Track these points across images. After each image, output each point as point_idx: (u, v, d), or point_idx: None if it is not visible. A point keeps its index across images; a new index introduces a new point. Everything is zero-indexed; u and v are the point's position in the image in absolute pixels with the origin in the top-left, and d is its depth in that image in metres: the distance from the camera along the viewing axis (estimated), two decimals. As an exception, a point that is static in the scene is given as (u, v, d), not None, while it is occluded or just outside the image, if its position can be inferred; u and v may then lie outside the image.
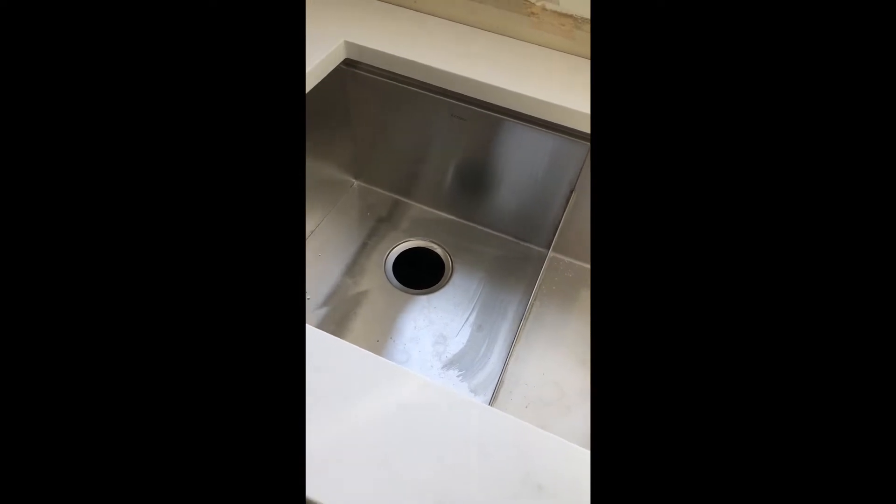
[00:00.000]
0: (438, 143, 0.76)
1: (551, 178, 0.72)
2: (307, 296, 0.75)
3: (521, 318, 0.72)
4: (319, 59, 0.65)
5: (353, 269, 0.79)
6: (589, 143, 0.65)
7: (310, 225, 0.82)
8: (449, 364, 0.69)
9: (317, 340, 0.42)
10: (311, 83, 0.65)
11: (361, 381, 0.40)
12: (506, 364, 0.67)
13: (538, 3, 0.65)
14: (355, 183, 0.88)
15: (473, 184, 0.79)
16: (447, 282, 0.77)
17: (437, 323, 0.73)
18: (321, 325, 0.72)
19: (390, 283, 0.77)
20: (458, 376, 0.68)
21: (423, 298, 0.76)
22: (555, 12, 0.65)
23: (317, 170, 0.79)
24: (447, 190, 0.82)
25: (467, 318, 0.74)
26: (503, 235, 0.83)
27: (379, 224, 0.84)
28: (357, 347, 0.42)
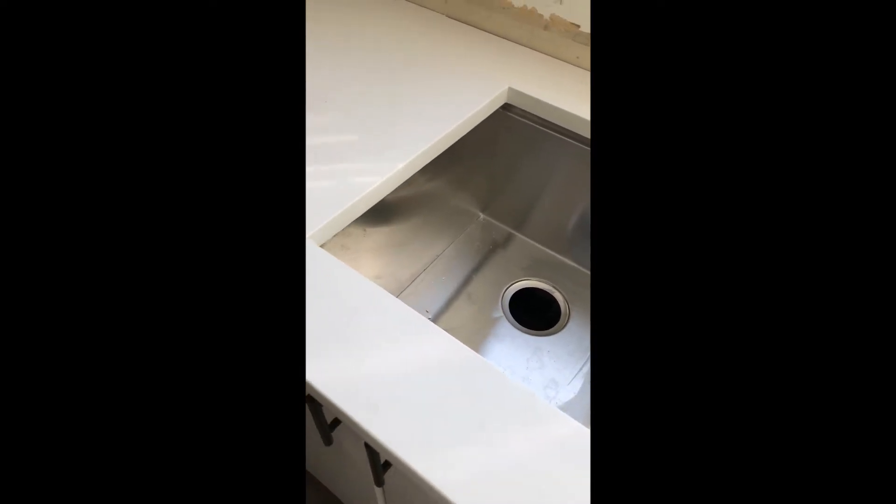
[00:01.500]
0: (569, 188, 0.78)
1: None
2: (427, 312, 0.78)
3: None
4: (483, 104, 0.69)
5: (472, 296, 0.82)
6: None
7: (436, 250, 0.86)
8: (558, 411, 0.70)
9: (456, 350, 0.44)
10: (471, 124, 0.69)
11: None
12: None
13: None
14: (482, 216, 0.92)
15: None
16: (563, 327, 0.79)
17: (549, 367, 0.74)
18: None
19: (506, 318, 0.79)
20: (565, 425, 0.69)
21: (538, 340, 0.77)
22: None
23: (449, 199, 0.83)
24: (571, 235, 0.84)
25: (581, 368, 0.74)
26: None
27: (500, 258, 0.86)
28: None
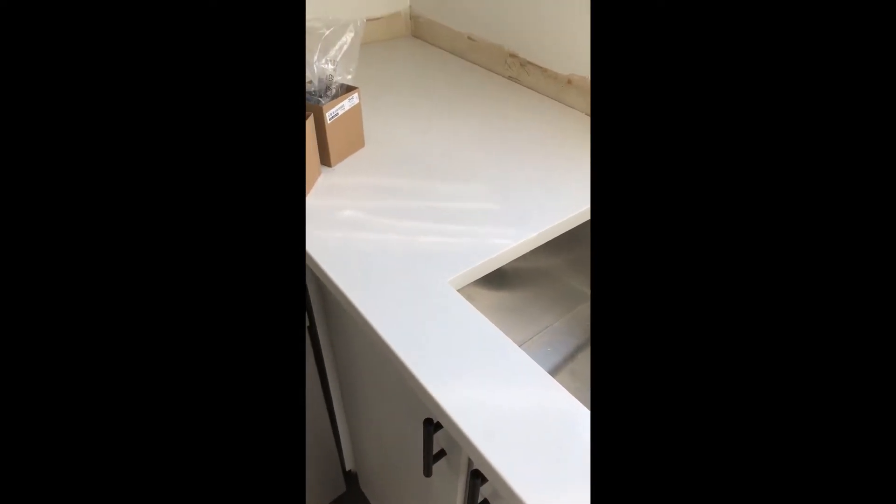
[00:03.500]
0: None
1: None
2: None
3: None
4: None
5: (575, 373, 0.83)
6: None
7: (545, 322, 0.90)
8: None
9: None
10: (599, 209, 0.76)
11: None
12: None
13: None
14: (592, 297, 0.95)
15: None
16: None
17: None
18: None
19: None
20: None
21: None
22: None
23: (564, 277, 0.87)
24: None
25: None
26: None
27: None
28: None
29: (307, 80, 0.77)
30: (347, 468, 1.13)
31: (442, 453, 0.59)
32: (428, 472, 0.59)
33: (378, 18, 1.24)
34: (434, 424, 0.54)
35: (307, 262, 0.65)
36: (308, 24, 0.74)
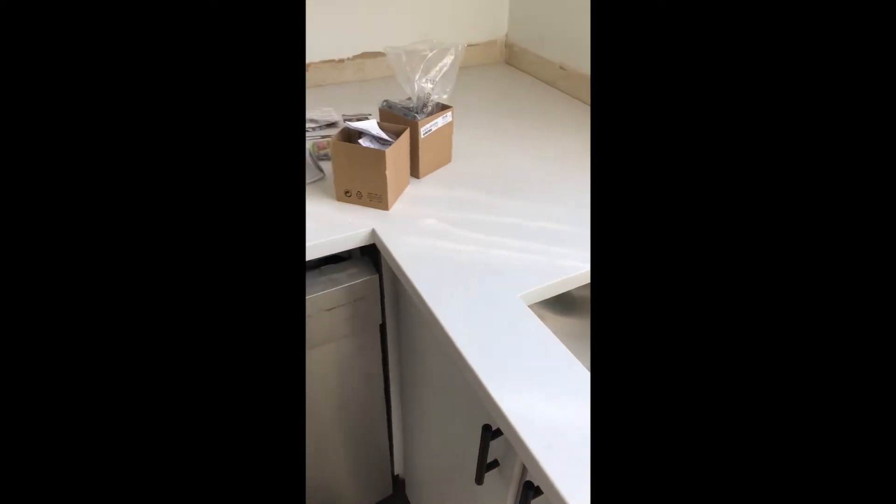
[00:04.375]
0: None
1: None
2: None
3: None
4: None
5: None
6: None
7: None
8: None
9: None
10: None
11: None
12: None
13: None
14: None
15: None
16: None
17: None
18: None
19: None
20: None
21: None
22: None
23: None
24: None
25: None
26: None
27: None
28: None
29: (407, 96, 0.83)
30: (395, 472, 1.15)
31: (495, 463, 0.60)
32: (480, 479, 0.60)
33: (476, 44, 1.31)
34: (493, 431, 0.55)
35: (390, 263, 0.70)
36: (413, 46, 0.80)
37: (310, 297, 0.72)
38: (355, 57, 1.19)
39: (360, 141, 0.76)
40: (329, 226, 0.73)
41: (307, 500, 1.03)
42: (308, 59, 1.14)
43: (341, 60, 1.18)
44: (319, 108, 0.99)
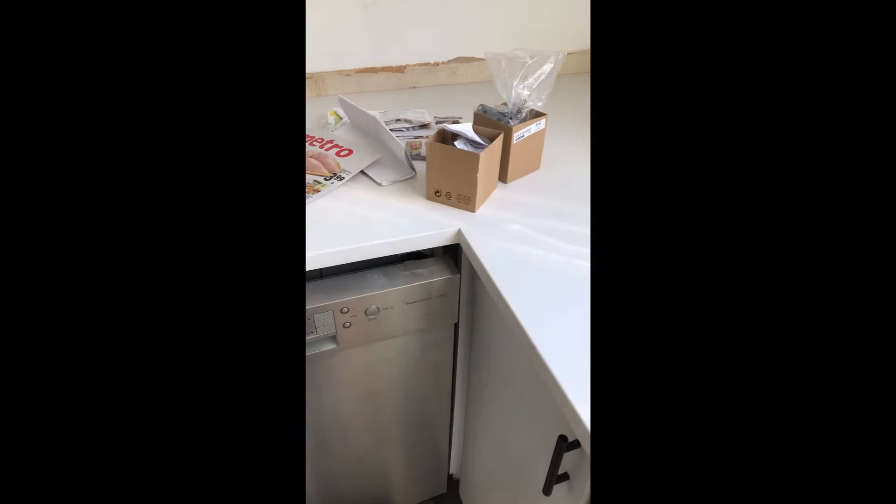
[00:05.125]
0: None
1: None
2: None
3: None
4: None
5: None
6: None
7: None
8: None
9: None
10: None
11: None
12: None
13: None
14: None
15: None
16: None
17: None
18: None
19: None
20: None
21: None
22: None
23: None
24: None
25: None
26: None
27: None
28: None
29: (502, 101, 0.84)
30: (451, 471, 1.16)
31: (565, 476, 0.59)
32: (548, 490, 0.59)
33: (573, 53, 1.29)
34: (569, 443, 0.54)
35: (474, 264, 0.71)
36: (514, 52, 0.81)
37: (392, 290, 0.75)
38: (450, 61, 1.22)
39: (456, 143, 0.77)
40: (417, 222, 0.75)
41: (361, 486, 1.06)
42: (404, 62, 1.19)
43: (436, 63, 1.21)
44: (413, 110, 1.03)
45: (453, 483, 1.22)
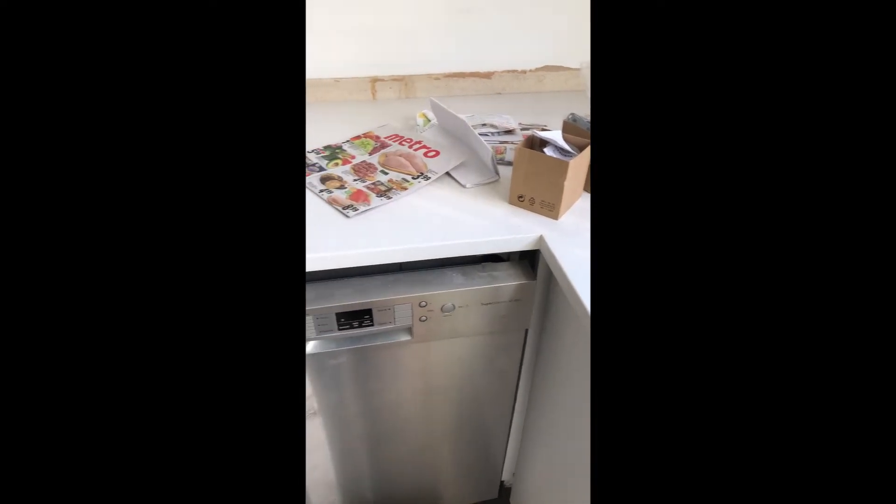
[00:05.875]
0: None
1: None
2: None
3: None
4: None
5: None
6: None
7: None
8: None
9: None
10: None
11: None
12: None
13: None
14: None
15: None
16: None
17: None
18: None
19: None
20: None
21: None
22: None
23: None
24: None
25: None
26: None
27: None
28: None
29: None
30: (503, 478, 1.16)
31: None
32: None
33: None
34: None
35: (555, 271, 0.71)
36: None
37: (470, 290, 0.77)
38: (537, 69, 1.23)
39: (544, 150, 0.78)
40: (499, 226, 0.76)
41: (414, 480, 1.08)
42: (491, 68, 1.21)
43: (524, 71, 1.22)
44: (499, 115, 1.04)
45: (504, 490, 1.21)
